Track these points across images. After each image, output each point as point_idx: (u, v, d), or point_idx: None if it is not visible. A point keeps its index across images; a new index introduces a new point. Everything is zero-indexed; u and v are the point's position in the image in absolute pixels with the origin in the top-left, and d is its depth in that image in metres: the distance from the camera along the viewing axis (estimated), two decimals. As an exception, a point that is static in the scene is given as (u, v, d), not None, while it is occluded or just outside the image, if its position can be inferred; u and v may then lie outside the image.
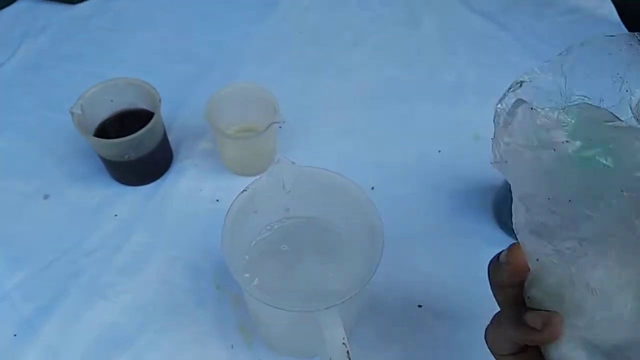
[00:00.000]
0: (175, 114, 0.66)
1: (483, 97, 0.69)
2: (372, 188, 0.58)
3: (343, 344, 0.38)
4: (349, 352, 0.38)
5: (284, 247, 0.48)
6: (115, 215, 0.58)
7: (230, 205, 0.43)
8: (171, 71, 0.71)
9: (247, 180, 0.60)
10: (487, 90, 0.70)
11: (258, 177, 0.45)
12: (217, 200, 0.59)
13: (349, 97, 0.69)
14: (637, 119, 0.23)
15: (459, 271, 0.54)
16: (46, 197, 0.59)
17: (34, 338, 0.50)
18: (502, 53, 0.75)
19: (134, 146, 0.54)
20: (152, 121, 0.54)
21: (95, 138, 0.53)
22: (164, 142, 0.59)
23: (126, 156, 0.55)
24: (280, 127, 0.57)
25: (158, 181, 0.61)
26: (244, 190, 0.44)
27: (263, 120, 0.59)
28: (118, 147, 0.54)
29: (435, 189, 0.61)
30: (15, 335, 0.50)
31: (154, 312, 0.51)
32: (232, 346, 0.50)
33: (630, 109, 0.23)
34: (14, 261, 0.54)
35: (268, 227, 0.49)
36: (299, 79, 0.71)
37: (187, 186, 0.60)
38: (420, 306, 0.52)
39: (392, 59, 0.74)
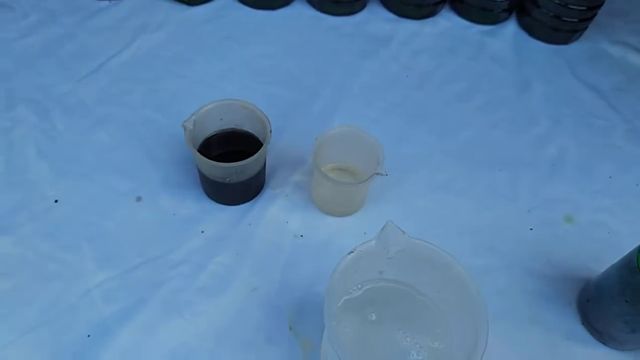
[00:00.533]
0: (273, 139, 0.66)
1: (580, 176, 0.67)
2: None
3: None
4: None
5: (372, 316, 0.47)
6: (202, 232, 0.58)
7: (337, 265, 0.43)
8: (274, 93, 0.71)
9: (331, 221, 0.61)
10: (585, 169, 0.68)
11: (367, 241, 0.44)
12: (302, 236, 0.59)
13: (449, 153, 0.68)
14: None
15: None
16: (139, 199, 0.60)
17: (107, 342, 0.51)
18: (607, 133, 0.73)
19: (239, 172, 0.55)
20: (260, 150, 0.54)
21: (204, 158, 0.53)
22: (263, 170, 0.59)
23: (227, 179, 0.55)
24: (383, 176, 0.56)
25: (247, 204, 0.61)
26: (351, 252, 0.43)
27: (362, 165, 0.59)
28: (223, 170, 0.54)
29: (521, 267, 0.59)
30: (89, 336, 0.51)
31: (226, 341, 0.52)
32: (297, 392, 0.50)
33: None
34: (101, 259, 0.56)
35: (359, 286, 0.48)
36: (400, 124, 0.70)
37: (275, 216, 0.60)
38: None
39: (497, 120, 0.72)
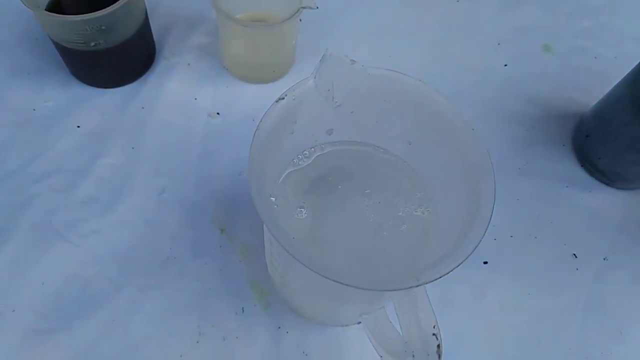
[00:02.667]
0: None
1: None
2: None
3: (434, 334, 0.26)
4: (441, 345, 0.26)
5: (328, 189, 0.33)
6: (78, 127, 0.42)
7: (261, 120, 0.29)
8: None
9: (255, 90, 0.46)
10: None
11: (300, 81, 0.30)
12: (218, 114, 0.44)
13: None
14: None
15: (530, 219, 0.42)
16: (-23, 96, 0.43)
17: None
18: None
19: (105, 29, 0.38)
20: (126, -4, 0.37)
21: (49, 13, 0.36)
22: (145, 28, 0.43)
23: (93, 43, 0.39)
24: (314, 10, 0.41)
25: (135, 83, 0.45)
26: (280, 98, 0.29)
27: (283, 8, 0.43)
28: (81, 27, 0.37)
29: (500, 112, 0.47)
30: None
31: (137, 263, 0.38)
32: (243, 309, 0.37)
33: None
34: None
35: (305, 154, 0.34)
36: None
37: (176, 92, 0.45)
38: (485, 262, 0.40)
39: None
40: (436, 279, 0.25)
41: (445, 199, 0.32)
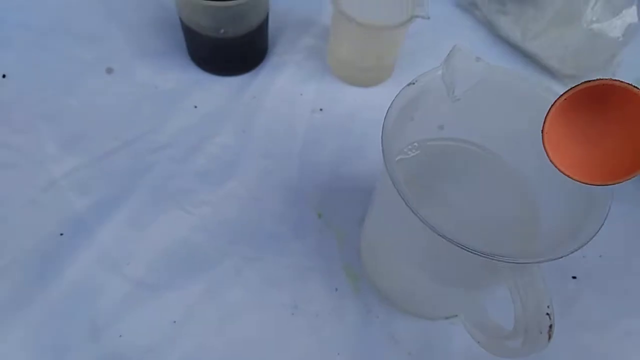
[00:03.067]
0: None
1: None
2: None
3: (547, 314, 0.27)
4: (553, 326, 0.27)
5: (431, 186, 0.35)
6: (195, 107, 0.46)
7: (393, 102, 0.31)
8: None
9: (355, 91, 0.49)
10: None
11: (428, 70, 0.32)
12: (321, 110, 0.47)
13: None
14: None
15: (619, 241, 0.42)
16: (109, 70, 0.47)
17: (85, 240, 0.39)
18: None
19: (235, 18, 0.42)
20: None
21: (190, -3, 0.40)
22: (265, 24, 0.46)
23: (222, 30, 0.42)
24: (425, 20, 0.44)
25: (248, 75, 0.48)
26: (411, 83, 0.31)
27: (395, 18, 0.46)
28: (217, 14, 0.41)
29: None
30: (61, 234, 0.39)
31: (242, 235, 0.40)
32: (337, 289, 0.39)
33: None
34: (65, 142, 0.43)
35: (415, 145, 0.36)
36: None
37: (284, 86, 0.48)
38: (574, 277, 0.41)
39: None
40: (560, 258, 0.26)
41: (551, 201, 0.34)
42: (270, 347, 0.36)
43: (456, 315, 0.37)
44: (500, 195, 0.36)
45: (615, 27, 0.49)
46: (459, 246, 0.25)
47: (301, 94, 0.48)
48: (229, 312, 0.37)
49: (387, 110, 0.30)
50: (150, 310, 0.37)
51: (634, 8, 0.49)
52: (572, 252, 0.26)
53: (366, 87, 0.49)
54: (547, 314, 0.27)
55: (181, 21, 0.44)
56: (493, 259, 0.26)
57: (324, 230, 0.41)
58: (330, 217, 0.42)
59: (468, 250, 0.25)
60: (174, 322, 0.36)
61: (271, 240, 0.40)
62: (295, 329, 0.37)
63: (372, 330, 0.38)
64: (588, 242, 0.27)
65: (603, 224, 0.27)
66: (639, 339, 0.38)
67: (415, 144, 0.37)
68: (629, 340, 0.38)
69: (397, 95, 0.31)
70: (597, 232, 0.27)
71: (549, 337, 0.27)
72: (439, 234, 0.25)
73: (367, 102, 0.48)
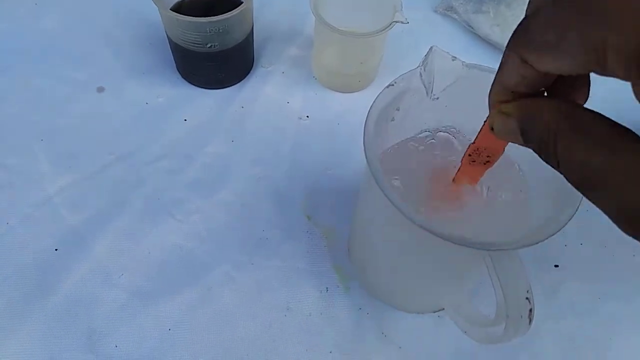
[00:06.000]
0: (260, 9, 0.54)
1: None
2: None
3: (526, 298, 0.28)
4: (533, 310, 0.28)
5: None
6: (185, 120, 0.47)
7: (373, 103, 0.32)
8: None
9: (340, 98, 0.50)
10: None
11: (407, 71, 0.33)
12: (307, 117, 0.48)
13: None
14: None
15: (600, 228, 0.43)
16: (100, 89, 0.48)
17: (81, 253, 0.40)
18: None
19: (222, 32, 0.43)
20: (243, 4, 0.43)
21: (178, 15, 0.41)
22: (250, 36, 0.48)
23: (209, 45, 0.44)
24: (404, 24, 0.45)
25: (236, 86, 0.50)
26: (391, 84, 0.33)
27: (375, 24, 0.48)
28: (201, 28, 0.42)
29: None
30: (56, 249, 0.40)
31: (233, 240, 0.41)
32: (327, 289, 0.40)
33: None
34: (59, 160, 0.44)
35: (398, 144, 0.38)
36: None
37: (272, 96, 0.49)
38: (556, 266, 0.42)
39: None
40: (535, 243, 0.27)
41: (537, 183, 0.34)
42: (265, 350, 0.37)
43: (444, 309, 0.38)
44: (487, 183, 0.37)
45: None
46: (434, 234, 0.26)
47: (288, 102, 0.49)
48: (223, 317, 0.38)
49: (368, 112, 0.31)
50: (145, 319, 0.38)
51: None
52: (545, 239, 0.27)
53: (350, 92, 0.50)
54: (527, 298, 0.28)
55: (169, 38, 0.46)
56: (470, 247, 0.27)
57: (313, 232, 0.42)
58: (319, 219, 0.43)
59: (444, 239, 0.27)
60: (169, 329, 0.37)
61: (262, 244, 0.41)
62: (288, 330, 0.38)
63: (363, 327, 0.38)
64: (560, 229, 0.28)
65: (576, 211, 0.29)
66: (622, 323, 0.39)
67: (398, 142, 0.38)
68: (612, 324, 0.39)
69: (377, 97, 0.32)
70: (570, 219, 0.28)
71: (530, 321, 0.28)
72: (416, 224, 0.27)
73: (352, 107, 0.49)
